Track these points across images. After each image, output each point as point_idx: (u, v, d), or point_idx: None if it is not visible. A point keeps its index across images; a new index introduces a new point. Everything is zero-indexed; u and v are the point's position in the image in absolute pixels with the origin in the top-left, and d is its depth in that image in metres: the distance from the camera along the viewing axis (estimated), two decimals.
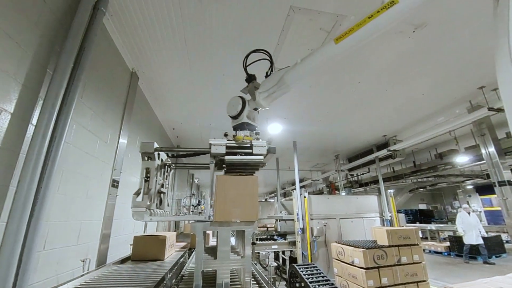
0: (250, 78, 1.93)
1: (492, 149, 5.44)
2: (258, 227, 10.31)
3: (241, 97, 1.81)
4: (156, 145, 1.79)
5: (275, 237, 7.96)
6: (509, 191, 5.03)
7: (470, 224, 8.36)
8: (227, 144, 1.59)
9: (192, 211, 6.63)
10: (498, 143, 5.53)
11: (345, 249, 5.08)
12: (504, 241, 9.05)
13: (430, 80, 4.80)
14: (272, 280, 2.22)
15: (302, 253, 6.48)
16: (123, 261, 2.74)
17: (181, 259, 3.10)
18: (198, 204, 5.77)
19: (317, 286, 3.78)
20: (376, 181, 10.53)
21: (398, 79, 4.73)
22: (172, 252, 3.35)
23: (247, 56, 1.89)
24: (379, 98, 5.48)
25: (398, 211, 8.55)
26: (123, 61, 3.72)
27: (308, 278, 4.00)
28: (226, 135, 1.61)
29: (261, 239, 7.38)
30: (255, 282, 2.39)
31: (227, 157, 1.53)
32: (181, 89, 4.87)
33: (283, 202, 9.80)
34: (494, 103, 4.93)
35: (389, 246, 4.69)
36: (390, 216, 7.79)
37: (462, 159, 8.00)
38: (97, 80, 2.97)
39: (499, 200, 5.23)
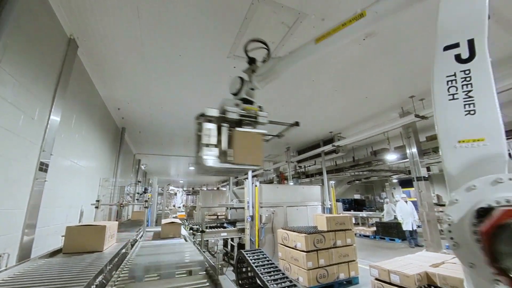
0: (250, 62, 2.15)
1: (414, 149, 6.43)
2: (208, 215, 10.28)
3: (240, 77, 2.03)
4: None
5: (225, 224, 8.07)
6: (424, 185, 6.05)
7: (407, 212, 9.39)
8: (240, 112, 1.83)
9: (137, 199, 6.19)
10: (420, 145, 6.57)
11: (290, 234, 5.46)
12: (417, 226, 10.90)
13: (372, 85, 5.35)
14: (220, 266, 2.25)
15: (250, 239, 6.73)
16: (52, 254, 2.44)
17: (123, 250, 2.91)
18: (145, 192, 5.40)
19: (262, 269, 4.00)
20: (320, 173, 11.46)
21: (347, 82, 5.15)
22: (112, 242, 3.11)
23: (247, 43, 2.17)
24: (329, 97, 5.90)
25: (337, 200, 9.50)
26: (59, 24, 3.17)
27: (254, 263, 4.20)
28: (237, 105, 1.87)
29: (210, 227, 7.39)
30: (202, 268, 2.40)
31: (238, 129, 1.75)
32: (129, 65, 4.41)
33: (235, 191, 9.94)
34: (420, 111, 5.78)
35: (328, 231, 5.21)
36: (330, 205, 8.64)
37: (391, 157, 9.25)
38: (24, 43, 2.48)
39: (416, 192, 6.26)
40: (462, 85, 0.94)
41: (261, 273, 3.87)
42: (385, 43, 3.93)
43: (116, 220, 6.59)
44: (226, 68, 4.46)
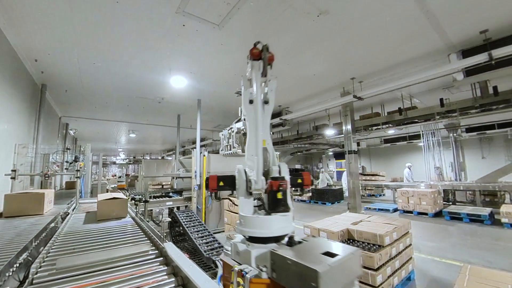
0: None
1: (349, 126, 7.22)
2: (152, 185, 9.89)
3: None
4: None
5: (171, 194, 7.94)
6: (353, 157, 6.97)
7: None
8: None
9: (66, 169, 5.45)
10: (354, 123, 7.40)
11: (235, 201, 5.74)
12: (344, 191, 12.72)
13: (321, 63, 5.62)
14: (164, 234, 2.26)
15: (197, 207, 6.83)
16: None
17: (52, 224, 2.63)
18: (75, 161, 4.75)
19: (189, 224, 4.65)
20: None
21: (299, 56, 5.28)
22: (50, 208, 3.23)
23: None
24: (281, 71, 5.98)
25: None
26: None
27: (183, 220, 4.82)
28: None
29: (155, 197, 7.19)
30: (146, 238, 2.38)
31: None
32: (49, 6, 3.57)
33: (181, 160, 9.68)
34: (358, 92, 6.41)
35: None
36: None
37: (330, 132, 10.24)
38: None
39: (346, 163, 7.18)
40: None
41: (183, 221, 4.72)
42: (336, 23, 4.08)
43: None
44: (174, 24, 4.03)
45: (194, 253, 4.23)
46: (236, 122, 3.04)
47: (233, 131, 3.01)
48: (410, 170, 11.22)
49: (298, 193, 12.69)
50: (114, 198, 2.98)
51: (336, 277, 1.45)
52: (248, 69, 2.27)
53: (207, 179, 2.12)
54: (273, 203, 1.88)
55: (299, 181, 2.23)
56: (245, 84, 2.31)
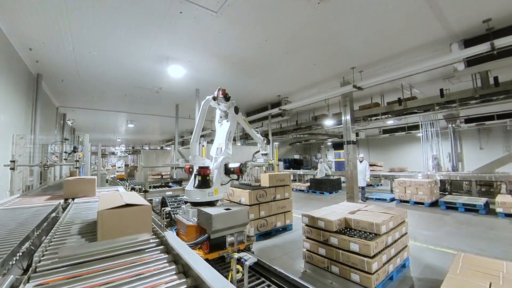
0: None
1: (348, 117, 7.20)
2: (152, 175, 9.94)
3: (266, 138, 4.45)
4: None
5: (170, 184, 8.00)
6: (352, 148, 6.99)
7: (360, 171, 9.72)
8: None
9: (65, 159, 5.45)
10: (353, 113, 7.36)
11: (235, 191, 5.79)
12: (342, 182, 12.83)
13: (322, 52, 5.54)
14: (165, 224, 2.31)
15: None
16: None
17: (53, 214, 2.65)
18: (74, 151, 4.73)
19: (175, 207, 5.10)
20: (266, 135, 11.99)
21: (298, 45, 5.19)
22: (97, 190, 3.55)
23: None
24: (280, 60, 5.90)
25: (279, 160, 10.25)
26: None
27: (170, 203, 5.27)
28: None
29: (154, 187, 7.24)
30: None
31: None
32: None
33: (180, 151, 9.69)
34: (357, 82, 6.35)
35: (269, 187, 5.70)
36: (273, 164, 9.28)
37: (329, 122, 10.21)
38: None
39: (345, 154, 7.20)
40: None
41: (168, 201, 5.32)
42: (337, 11, 4.00)
43: (41, 183, 5.84)
44: (170, 11, 3.94)
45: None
46: (256, 153, 3.92)
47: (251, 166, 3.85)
48: (435, 159, 11.08)
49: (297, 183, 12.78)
50: (128, 205, 1.74)
51: (224, 219, 2.66)
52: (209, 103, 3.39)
53: (184, 168, 3.67)
54: (195, 182, 3.09)
55: (232, 169, 3.16)
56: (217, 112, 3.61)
